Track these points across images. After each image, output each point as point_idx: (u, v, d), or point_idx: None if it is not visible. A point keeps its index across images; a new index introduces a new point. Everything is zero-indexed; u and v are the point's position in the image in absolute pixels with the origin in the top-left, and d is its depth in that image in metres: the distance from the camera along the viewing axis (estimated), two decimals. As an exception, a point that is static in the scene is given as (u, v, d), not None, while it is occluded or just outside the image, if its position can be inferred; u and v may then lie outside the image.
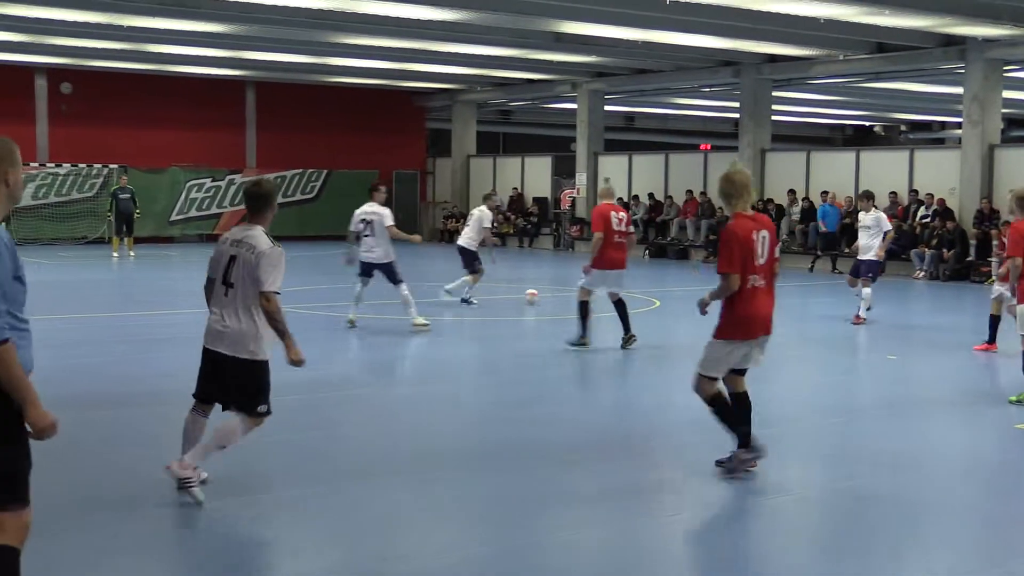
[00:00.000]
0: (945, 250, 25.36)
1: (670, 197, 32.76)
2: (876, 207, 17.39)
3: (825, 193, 28.30)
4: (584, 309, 13.80)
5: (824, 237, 28.02)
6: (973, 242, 25.49)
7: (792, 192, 29.50)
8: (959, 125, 27.06)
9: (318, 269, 25.40)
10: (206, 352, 7.07)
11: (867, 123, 49.23)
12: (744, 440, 7.78)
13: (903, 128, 48.59)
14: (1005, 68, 26.41)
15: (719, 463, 7.86)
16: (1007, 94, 27.98)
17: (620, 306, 14.07)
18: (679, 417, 10.04)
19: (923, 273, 25.49)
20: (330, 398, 10.83)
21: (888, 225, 17.05)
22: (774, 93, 31.69)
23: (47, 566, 5.82)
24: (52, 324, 15.86)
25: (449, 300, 18.60)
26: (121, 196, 28.88)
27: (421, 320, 15.22)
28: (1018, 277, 10.55)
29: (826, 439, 9.48)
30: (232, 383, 6.98)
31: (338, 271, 25.94)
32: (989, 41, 25.14)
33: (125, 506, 6.94)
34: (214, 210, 35.95)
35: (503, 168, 38.97)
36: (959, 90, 27.32)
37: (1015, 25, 23.37)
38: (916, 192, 27.04)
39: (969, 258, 25.51)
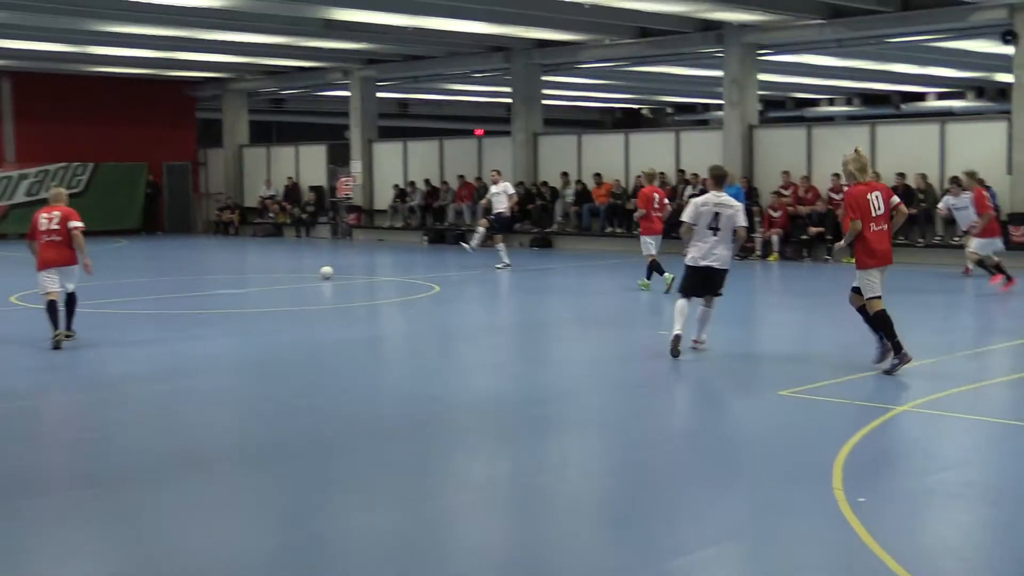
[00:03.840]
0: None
1: (446, 183, 32.95)
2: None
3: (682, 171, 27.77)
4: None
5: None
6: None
7: (565, 175, 30.10)
8: (721, 107, 28.09)
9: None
10: (698, 268, 11.77)
11: (635, 106, 50.57)
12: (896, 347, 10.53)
13: (669, 110, 50.12)
14: (759, 52, 27.60)
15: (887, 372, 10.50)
16: (762, 77, 29.25)
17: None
18: (458, 401, 10.16)
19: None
20: (101, 398, 10.51)
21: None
22: (544, 78, 32.24)
23: None
24: None
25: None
26: None
27: None
28: None
29: (607, 414, 9.73)
30: (714, 284, 11.89)
31: (116, 265, 25.14)
32: (744, 26, 26.24)
33: None
34: (-24, 205, 34.23)
35: (277, 157, 38.41)
36: (720, 73, 28.39)
37: (766, 11, 24.49)
38: (683, 172, 27.95)
39: (734, 234, 26.54)
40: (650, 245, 18.26)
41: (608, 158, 29.73)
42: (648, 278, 18.43)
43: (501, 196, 23.23)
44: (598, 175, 29.40)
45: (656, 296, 17.58)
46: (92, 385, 11.20)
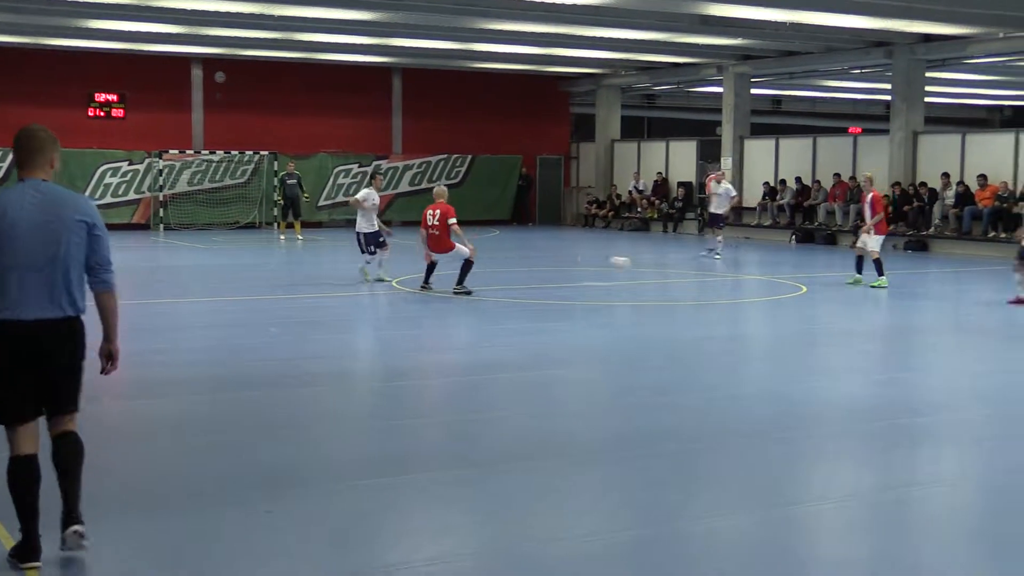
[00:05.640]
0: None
1: (818, 181, 32.13)
2: None
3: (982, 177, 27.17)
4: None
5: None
6: None
7: (946, 176, 28.65)
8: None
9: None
10: None
11: (1027, 103, 47.52)
12: None
13: (1067, 108, 46.80)
14: None
15: None
16: None
17: None
18: (823, 406, 9.87)
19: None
20: (480, 381, 10.93)
21: None
22: (928, 74, 30.81)
23: (193, 541, 6.01)
24: (209, 306, 16.34)
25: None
26: (288, 181, 30.20)
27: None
28: None
29: (983, 429, 9.20)
30: None
31: (490, 255, 26.18)
32: None
33: (270, 485, 7.10)
34: (361, 195, 36.40)
35: (647, 152, 38.70)
36: None
37: None
38: (1079, 175, 26.01)
39: None
40: (879, 243, 19.30)
41: (995, 159, 28.05)
42: (859, 272, 19.30)
43: (723, 198, 25.73)
44: (983, 176, 27.80)
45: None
46: (466, 370, 11.66)
